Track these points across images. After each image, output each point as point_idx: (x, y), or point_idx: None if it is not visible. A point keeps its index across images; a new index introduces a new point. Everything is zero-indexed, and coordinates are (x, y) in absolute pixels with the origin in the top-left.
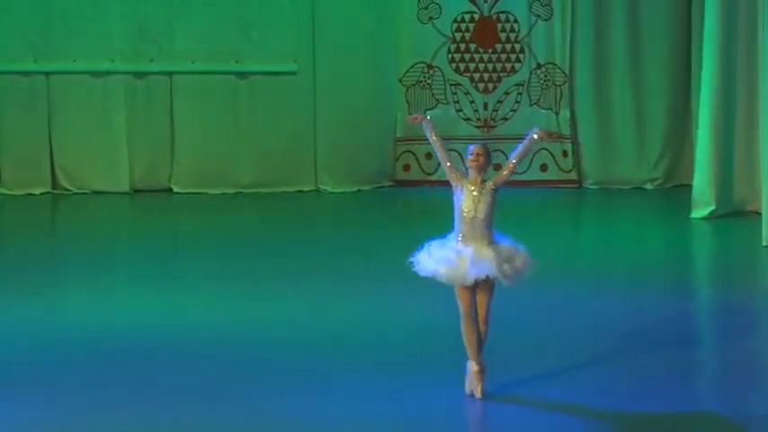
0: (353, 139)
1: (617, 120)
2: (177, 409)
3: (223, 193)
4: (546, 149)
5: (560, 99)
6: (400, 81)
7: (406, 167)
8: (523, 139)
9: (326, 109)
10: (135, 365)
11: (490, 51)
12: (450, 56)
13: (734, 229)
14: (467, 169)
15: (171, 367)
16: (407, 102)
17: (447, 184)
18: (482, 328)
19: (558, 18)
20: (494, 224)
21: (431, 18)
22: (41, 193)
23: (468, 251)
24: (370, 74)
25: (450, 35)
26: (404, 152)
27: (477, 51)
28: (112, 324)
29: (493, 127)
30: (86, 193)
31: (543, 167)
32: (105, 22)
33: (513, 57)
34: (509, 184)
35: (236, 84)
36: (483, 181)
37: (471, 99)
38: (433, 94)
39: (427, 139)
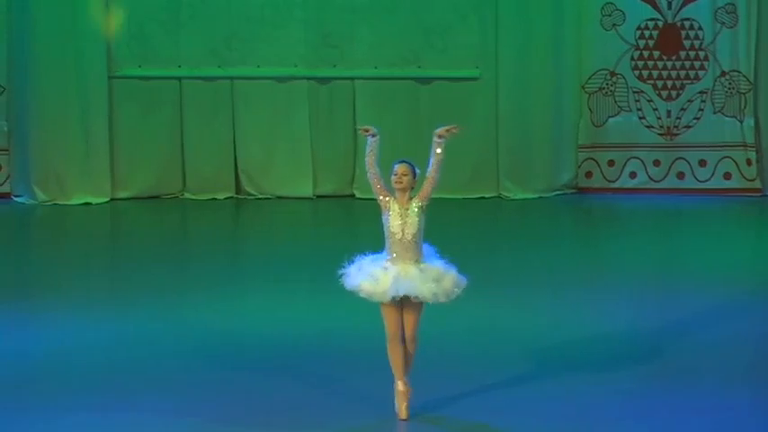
0: (535, 146)
1: None
2: (350, 412)
3: None
4: (730, 158)
5: (745, 107)
6: (582, 88)
7: (589, 174)
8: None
9: (508, 115)
10: (309, 368)
11: (674, 58)
12: (633, 63)
13: None
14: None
15: (348, 371)
16: (590, 109)
17: (631, 191)
18: (409, 347)
19: (743, 25)
20: (422, 242)
21: (614, 25)
22: (225, 198)
23: (394, 269)
24: (553, 80)
25: (634, 42)
26: (586, 159)
27: (660, 59)
28: (290, 329)
29: (676, 135)
30: (269, 199)
31: (727, 176)
32: (288, 27)
33: (697, 64)
34: (688, 191)
35: (417, 89)
36: (410, 199)
37: (654, 106)
38: (615, 101)
39: (610, 147)
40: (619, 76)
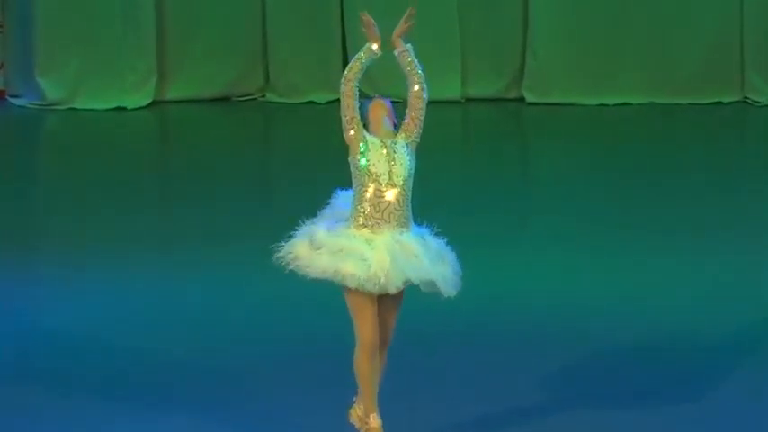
0: None
1: None
2: None
3: (601, 105)
4: None
5: None
6: None
7: None
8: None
9: None
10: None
11: None
12: None
13: None
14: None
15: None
16: None
17: None
18: (382, 357)
19: None
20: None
21: None
22: (327, 102)
23: (383, 240)
24: None
25: None
26: None
27: None
28: None
29: None
30: (397, 102)
31: None
32: None
33: None
34: None
35: None
36: (395, 134)
37: None
38: None
39: None
40: None
